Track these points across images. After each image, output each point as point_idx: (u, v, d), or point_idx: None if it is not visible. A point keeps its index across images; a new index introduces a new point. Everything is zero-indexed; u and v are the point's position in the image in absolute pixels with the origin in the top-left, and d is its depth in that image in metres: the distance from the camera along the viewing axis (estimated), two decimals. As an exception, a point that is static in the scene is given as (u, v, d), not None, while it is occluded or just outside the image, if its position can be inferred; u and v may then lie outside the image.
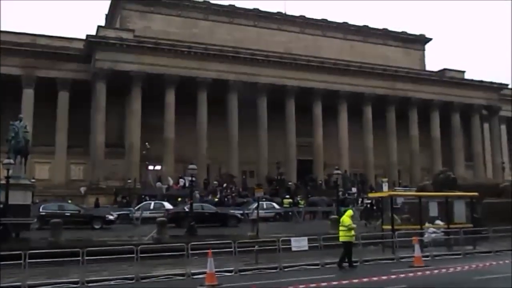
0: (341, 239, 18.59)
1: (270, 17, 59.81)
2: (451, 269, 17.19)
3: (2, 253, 16.49)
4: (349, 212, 19.37)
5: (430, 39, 69.59)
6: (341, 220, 19.01)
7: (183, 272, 16.82)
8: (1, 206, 24.35)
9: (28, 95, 46.72)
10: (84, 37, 47.32)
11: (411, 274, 16.38)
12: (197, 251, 17.72)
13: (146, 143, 45.23)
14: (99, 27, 49.46)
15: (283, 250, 19.09)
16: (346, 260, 18.40)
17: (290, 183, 48.51)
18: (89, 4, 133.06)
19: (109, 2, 58.45)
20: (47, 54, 47.07)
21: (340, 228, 18.72)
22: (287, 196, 40.68)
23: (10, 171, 24.99)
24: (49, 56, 47.09)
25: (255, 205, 32.07)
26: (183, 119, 48.26)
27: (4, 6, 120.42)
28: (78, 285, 15.33)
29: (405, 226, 24.24)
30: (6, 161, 25.58)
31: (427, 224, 24.47)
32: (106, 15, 61.03)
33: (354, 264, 18.52)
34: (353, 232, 18.68)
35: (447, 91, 60.08)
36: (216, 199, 40.38)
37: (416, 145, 58.41)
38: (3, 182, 25.16)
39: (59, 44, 48.76)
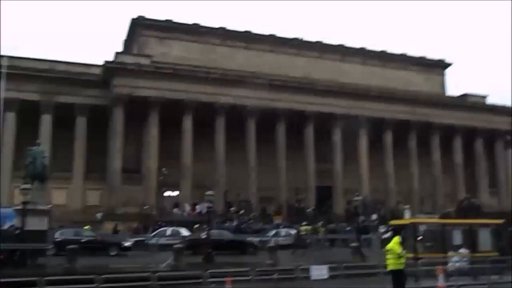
0: (390, 267, 17.81)
1: (287, 43, 59.96)
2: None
3: (18, 279, 16.26)
4: (397, 238, 18.56)
5: (450, 64, 69.12)
6: (388, 248, 18.20)
7: (201, 301, 16.35)
8: (18, 231, 24.19)
9: (46, 120, 47.16)
10: (102, 63, 47.85)
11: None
12: (215, 279, 17.30)
13: (163, 169, 45.05)
14: (116, 53, 49.97)
15: (302, 278, 18.55)
16: None
17: (308, 210, 47.73)
18: (107, 31, 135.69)
19: (127, 29, 59.22)
20: (65, 80, 47.56)
21: (388, 256, 17.93)
22: (306, 223, 39.95)
23: (27, 196, 24.94)
24: (68, 82, 47.59)
25: (274, 232, 31.46)
26: (200, 145, 48.19)
27: (24, 32, 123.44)
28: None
29: (428, 255, 23.44)
30: (23, 186, 25.59)
31: (451, 253, 23.68)
32: (124, 41, 61.74)
33: None
34: (403, 260, 17.98)
35: (470, 116, 59.19)
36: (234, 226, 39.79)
37: (438, 171, 57.39)
38: (20, 207, 25.08)
39: (78, 70, 49.32)
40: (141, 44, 54.78)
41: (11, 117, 45.91)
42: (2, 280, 15.04)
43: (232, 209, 46.25)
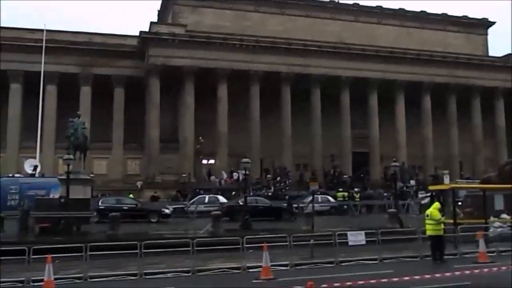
0: (429, 233, 17.82)
1: (322, 6, 58.70)
2: (520, 266, 16.11)
3: (64, 245, 16.92)
4: (436, 204, 18.41)
5: (493, 23, 66.25)
6: (428, 213, 18.14)
7: (238, 266, 16.67)
8: (63, 200, 25.07)
9: (85, 92, 48.18)
10: (138, 34, 48.15)
11: (476, 271, 15.49)
12: (252, 245, 17.55)
13: (200, 138, 45.57)
14: (151, 23, 50.15)
15: (339, 244, 18.61)
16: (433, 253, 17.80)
17: (345, 176, 47.60)
18: (143, 1, 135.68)
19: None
20: (102, 52, 48.28)
21: (427, 221, 17.92)
22: (342, 190, 39.93)
23: (70, 167, 25.66)
24: (105, 54, 48.29)
25: (310, 198, 31.56)
26: (236, 113, 48.29)
27: (61, 6, 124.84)
28: (137, 277, 15.47)
29: (468, 220, 23.07)
30: (66, 156, 26.30)
31: (492, 218, 23.28)
32: (159, 11, 62.01)
33: (444, 258, 17.86)
34: (442, 226, 17.90)
35: (513, 78, 57.03)
36: (270, 193, 40.16)
37: (479, 135, 55.97)
38: (64, 177, 25.95)
39: (114, 41, 49.84)
40: (175, 13, 54.76)
41: (51, 89, 47.10)
42: (49, 246, 15.69)
43: (268, 176, 46.59)
